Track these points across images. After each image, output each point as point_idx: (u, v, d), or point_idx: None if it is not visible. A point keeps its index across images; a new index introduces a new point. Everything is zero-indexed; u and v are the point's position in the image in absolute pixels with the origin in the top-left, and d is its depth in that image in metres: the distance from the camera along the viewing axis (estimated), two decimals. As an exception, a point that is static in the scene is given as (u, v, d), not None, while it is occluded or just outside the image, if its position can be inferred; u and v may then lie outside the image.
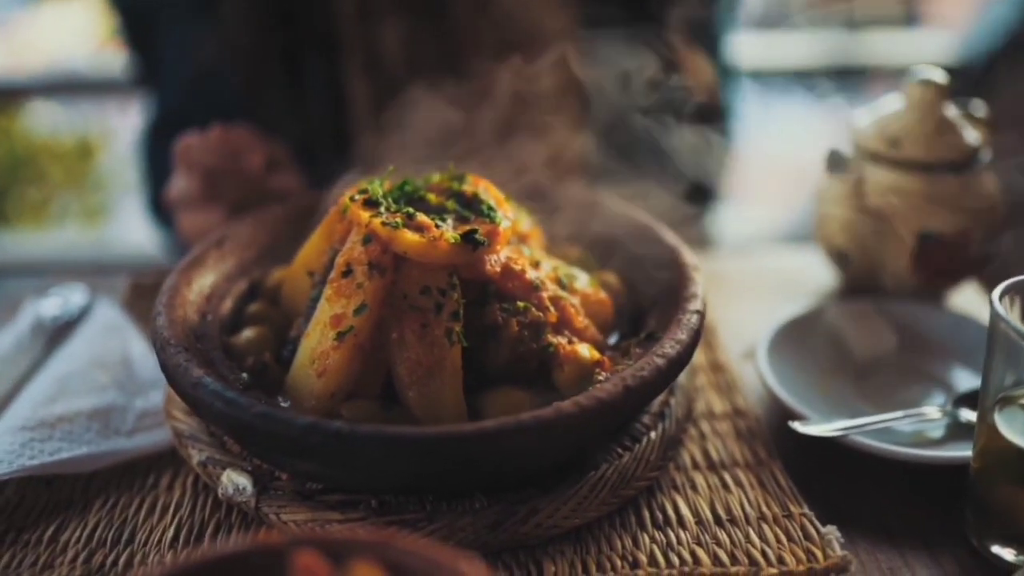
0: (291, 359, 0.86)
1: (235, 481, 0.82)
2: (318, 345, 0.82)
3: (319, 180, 1.29)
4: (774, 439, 0.94)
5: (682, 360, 0.82)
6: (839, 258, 1.19)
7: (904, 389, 1.03)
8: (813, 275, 1.31)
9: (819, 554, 0.78)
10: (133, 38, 1.60)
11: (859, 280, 1.20)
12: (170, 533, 0.82)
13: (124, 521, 0.84)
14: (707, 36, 1.64)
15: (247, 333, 0.90)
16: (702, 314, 0.87)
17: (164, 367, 0.81)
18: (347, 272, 0.82)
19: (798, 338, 1.06)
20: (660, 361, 0.79)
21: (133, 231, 3.57)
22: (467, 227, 0.84)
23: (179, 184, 1.20)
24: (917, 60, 3.46)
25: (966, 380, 1.03)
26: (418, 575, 0.56)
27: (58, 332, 1.12)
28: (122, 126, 3.85)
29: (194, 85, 1.46)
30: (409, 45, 1.44)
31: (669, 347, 0.81)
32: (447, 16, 1.45)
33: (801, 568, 0.76)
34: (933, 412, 0.94)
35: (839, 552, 0.78)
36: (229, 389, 0.75)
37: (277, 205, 1.09)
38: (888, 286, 1.17)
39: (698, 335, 0.85)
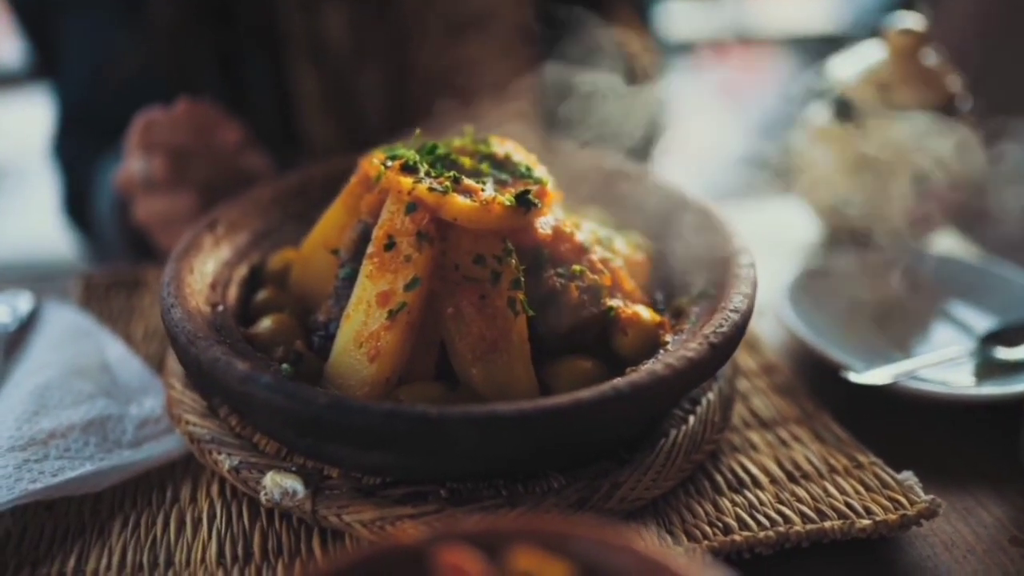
0: (324, 346, 0.78)
1: (282, 484, 0.73)
2: (364, 327, 0.74)
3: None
4: (811, 391, 0.93)
5: (750, 313, 0.78)
6: (831, 208, 1.18)
7: (923, 331, 1.03)
8: (794, 228, 1.31)
9: (904, 501, 0.76)
10: (29, 27, 1.44)
11: (846, 230, 1.20)
12: (212, 549, 0.73)
13: (154, 542, 0.74)
14: (642, 7, 1.62)
15: (266, 322, 0.82)
16: (755, 267, 0.84)
17: (195, 363, 0.71)
18: (389, 245, 0.75)
19: (812, 291, 1.05)
20: (735, 316, 0.76)
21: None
22: (517, 188, 0.78)
23: (136, 167, 1.07)
24: (794, 28, 3.58)
25: (975, 318, 1.04)
26: (584, 557, 0.51)
27: (12, 340, 0.99)
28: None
29: (104, 78, 1.32)
30: (354, 33, 1.36)
31: (739, 301, 0.78)
32: (391, 2, 1.38)
33: (892, 517, 0.74)
34: (966, 352, 0.94)
35: (924, 497, 0.76)
36: (286, 382, 0.67)
37: (261, 186, 0.99)
38: (878, 233, 1.17)
39: (756, 288, 0.82)
